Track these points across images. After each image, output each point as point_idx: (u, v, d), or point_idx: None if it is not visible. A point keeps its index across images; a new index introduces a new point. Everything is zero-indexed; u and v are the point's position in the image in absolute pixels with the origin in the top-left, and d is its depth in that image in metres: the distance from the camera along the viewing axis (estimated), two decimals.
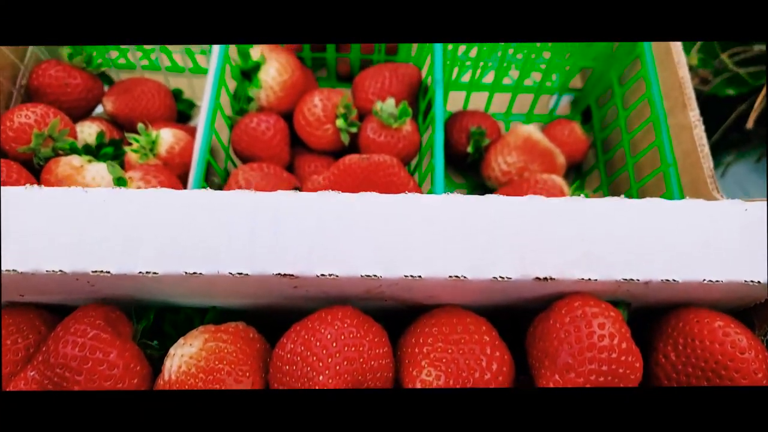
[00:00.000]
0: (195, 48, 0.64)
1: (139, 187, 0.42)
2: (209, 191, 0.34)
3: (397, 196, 0.34)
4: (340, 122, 0.49)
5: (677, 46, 0.47)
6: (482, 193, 0.60)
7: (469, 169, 0.60)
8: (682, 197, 0.45)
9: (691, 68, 0.68)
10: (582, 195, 0.46)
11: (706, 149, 0.43)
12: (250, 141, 0.49)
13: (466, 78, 0.60)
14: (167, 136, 0.48)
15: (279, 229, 0.33)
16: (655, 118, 0.48)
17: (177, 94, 0.59)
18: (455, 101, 0.62)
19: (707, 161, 0.42)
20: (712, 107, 0.70)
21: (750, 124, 0.66)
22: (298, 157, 0.53)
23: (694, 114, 0.44)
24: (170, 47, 0.63)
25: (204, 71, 0.63)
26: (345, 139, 0.50)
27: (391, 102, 0.49)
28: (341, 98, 0.50)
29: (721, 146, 0.73)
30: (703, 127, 0.44)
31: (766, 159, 0.74)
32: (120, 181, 0.42)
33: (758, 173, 0.77)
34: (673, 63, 0.47)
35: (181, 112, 0.59)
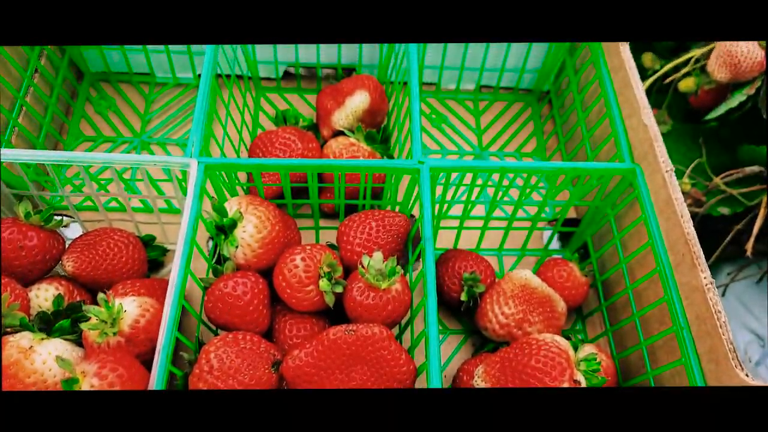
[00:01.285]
0: (167, 189, 0.60)
1: (92, 386, 0.37)
2: None
3: None
4: (323, 284, 0.45)
5: (679, 198, 0.45)
6: (479, 339, 0.56)
7: (465, 312, 0.56)
8: (700, 368, 0.41)
9: (684, 193, 0.66)
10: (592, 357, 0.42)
11: (723, 317, 0.39)
12: (225, 308, 0.44)
13: (456, 209, 0.58)
14: (131, 308, 0.43)
15: None
16: (662, 272, 0.45)
17: (148, 242, 0.55)
18: (446, 235, 0.59)
19: (726, 332, 0.39)
20: (706, 222, 0.68)
21: (749, 251, 0.63)
22: (278, 318, 0.48)
23: (706, 276, 0.41)
24: (137, 183, 0.60)
25: (177, 211, 0.60)
26: (329, 300, 0.46)
27: (378, 257, 0.46)
28: (324, 256, 0.46)
29: (717, 260, 0.71)
30: (716, 290, 0.41)
31: (766, 279, 0.72)
32: (69, 383, 0.37)
33: (759, 288, 0.75)
34: (676, 215, 0.45)
35: (153, 260, 0.55)
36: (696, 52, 0.69)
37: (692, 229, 0.43)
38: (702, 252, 0.43)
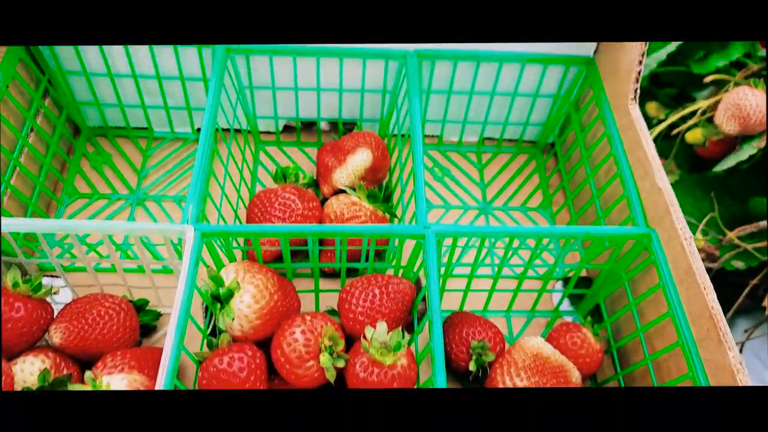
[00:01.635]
0: (162, 250, 0.58)
1: None
2: None
3: None
4: (324, 359, 0.43)
5: (700, 267, 0.43)
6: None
7: (473, 380, 0.53)
8: None
9: (699, 249, 0.64)
10: None
11: None
12: (220, 386, 0.42)
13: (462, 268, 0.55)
14: (120, 388, 0.40)
15: None
16: (684, 347, 0.42)
17: (141, 306, 0.53)
18: (451, 295, 0.56)
19: None
20: (720, 276, 0.66)
21: None
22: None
23: (734, 356, 0.39)
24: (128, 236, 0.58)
25: (170, 272, 0.57)
26: (331, 377, 0.43)
27: (382, 329, 0.43)
28: (326, 328, 0.44)
29: (734, 314, 0.68)
30: (746, 371, 0.38)
31: None
32: None
33: None
34: (698, 286, 0.42)
35: (145, 325, 0.53)
36: (702, 104, 0.68)
37: (716, 302, 0.41)
38: (729, 328, 0.40)
